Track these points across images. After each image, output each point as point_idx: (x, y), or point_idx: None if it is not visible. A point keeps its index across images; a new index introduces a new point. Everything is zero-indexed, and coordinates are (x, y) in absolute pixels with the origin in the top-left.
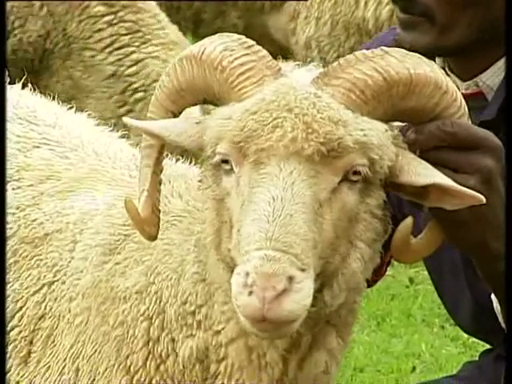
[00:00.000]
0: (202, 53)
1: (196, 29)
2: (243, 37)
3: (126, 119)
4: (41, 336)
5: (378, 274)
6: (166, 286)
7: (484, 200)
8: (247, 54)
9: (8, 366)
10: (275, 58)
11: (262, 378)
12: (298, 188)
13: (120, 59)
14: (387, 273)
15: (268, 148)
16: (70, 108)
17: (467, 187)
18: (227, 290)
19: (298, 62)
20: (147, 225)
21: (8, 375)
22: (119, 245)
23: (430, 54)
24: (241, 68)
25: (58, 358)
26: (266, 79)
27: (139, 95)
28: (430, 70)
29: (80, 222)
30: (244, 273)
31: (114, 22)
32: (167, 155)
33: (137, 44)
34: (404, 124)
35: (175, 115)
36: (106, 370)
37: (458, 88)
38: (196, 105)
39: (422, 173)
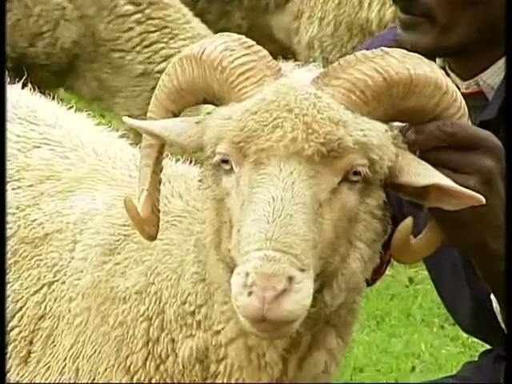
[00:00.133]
0: (202, 53)
1: None
2: (243, 37)
3: (125, 119)
4: (41, 336)
5: (377, 273)
6: (165, 287)
7: (484, 200)
8: (247, 54)
9: (8, 366)
10: (276, 58)
11: (261, 377)
12: (298, 188)
13: (149, 57)
14: (387, 273)
15: (268, 148)
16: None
17: (467, 187)
18: (227, 289)
19: (298, 62)
20: (147, 225)
21: (8, 375)
22: (119, 245)
23: (430, 55)
24: (241, 68)
25: (58, 358)
26: (266, 79)
27: None
28: (430, 70)
29: (80, 222)
30: (244, 273)
31: (142, 19)
32: (167, 155)
33: (165, 40)
34: (404, 124)
35: (175, 115)
36: (105, 370)
37: (459, 87)
38: (196, 105)
39: (421, 173)
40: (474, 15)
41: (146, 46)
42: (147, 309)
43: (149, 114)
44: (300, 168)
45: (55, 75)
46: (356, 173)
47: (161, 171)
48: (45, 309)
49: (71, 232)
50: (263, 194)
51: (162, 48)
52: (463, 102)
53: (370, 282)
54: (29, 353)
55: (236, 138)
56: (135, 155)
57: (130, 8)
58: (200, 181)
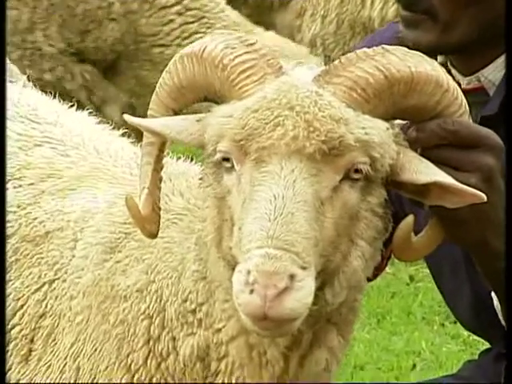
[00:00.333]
0: (203, 50)
1: None
2: (244, 35)
3: (126, 116)
4: (41, 334)
5: (378, 268)
6: (166, 285)
7: (485, 198)
8: (248, 52)
9: (9, 364)
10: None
11: (262, 375)
12: (299, 186)
13: None
14: (388, 271)
15: (269, 146)
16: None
17: (468, 185)
18: (228, 287)
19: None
20: (148, 223)
21: (9, 373)
22: (120, 243)
23: (432, 52)
24: (242, 66)
25: (59, 357)
26: (267, 77)
27: None
28: (431, 68)
29: (81, 220)
30: (245, 271)
31: (182, 11)
32: (168, 153)
33: (203, 30)
34: (405, 122)
35: (176, 113)
36: (106, 368)
37: (460, 83)
38: (197, 102)
39: (423, 171)
40: (476, 13)
41: (185, 38)
42: (148, 307)
43: (149, 112)
44: (301, 166)
45: (103, 71)
46: (357, 170)
47: (162, 169)
48: (46, 307)
49: (72, 230)
50: (264, 192)
51: (201, 38)
52: (464, 99)
53: (370, 278)
54: (30, 351)
55: (237, 136)
56: (136, 153)
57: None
58: (201, 179)
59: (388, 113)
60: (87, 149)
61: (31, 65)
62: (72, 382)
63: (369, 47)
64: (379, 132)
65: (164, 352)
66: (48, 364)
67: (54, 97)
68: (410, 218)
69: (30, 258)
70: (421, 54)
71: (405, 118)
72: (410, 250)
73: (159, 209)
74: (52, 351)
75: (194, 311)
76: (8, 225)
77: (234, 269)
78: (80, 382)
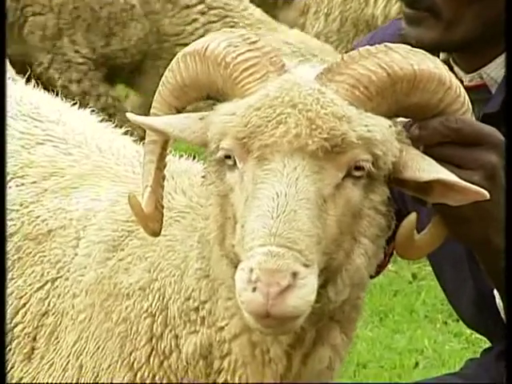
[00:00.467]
0: (206, 49)
1: None
2: (247, 32)
3: (129, 115)
4: (44, 332)
5: (380, 265)
6: (169, 283)
7: (488, 196)
8: (251, 50)
9: (11, 362)
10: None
11: (265, 373)
12: (302, 184)
13: None
14: (390, 268)
15: (272, 144)
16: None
17: (471, 183)
18: (231, 285)
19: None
20: (151, 221)
21: (11, 371)
22: (122, 241)
23: (435, 50)
24: (244, 64)
25: (62, 355)
26: (269, 75)
27: None
28: (434, 66)
29: (83, 218)
30: (248, 269)
31: (205, 10)
32: (170, 151)
33: (227, 29)
34: (408, 120)
35: (179, 111)
36: (109, 366)
37: (462, 80)
38: (199, 100)
39: (425, 168)
40: (480, 10)
41: None
42: (150, 305)
43: (152, 110)
44: (304, 163)
45: (116, 73)
46: (359, 168)
47: (164, 167)
48: (48, 305)
49: (75, 228)
50: (267, 189)
51: None
52: (467, 97)
53: (373, 275)
54: (32, 349)
55: (240, 133)
56: (139, 152)
57: None
58: (204, 177)
59: (391, 110)
60: (90, 147)
61: (60, 71)
62: (75, 380)
63: (371, 44)
64: (382, 130)
65: (167, 350)
66: (51, 362)
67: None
68: (412, 216)
69: (32, 256)
70: (423, 52)
71: (407, 115)
72: (413, 248)
73: (162, 207)
74: (55, 349)
75: (196, 309)
76: (10, 223)
77: (236, 267)
78: (83, 380)
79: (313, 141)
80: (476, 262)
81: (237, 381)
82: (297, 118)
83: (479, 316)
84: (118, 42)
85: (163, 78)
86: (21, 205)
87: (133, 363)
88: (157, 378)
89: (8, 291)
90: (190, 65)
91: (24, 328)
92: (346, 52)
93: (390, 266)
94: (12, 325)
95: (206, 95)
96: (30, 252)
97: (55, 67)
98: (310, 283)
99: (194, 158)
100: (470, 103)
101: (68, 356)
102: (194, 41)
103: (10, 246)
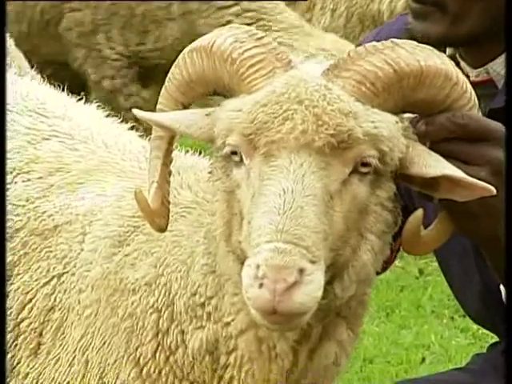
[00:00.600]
0: (212, 45)
1: None
2: (253, 29)
3: (135, 111)
4: (50, 328)
5: (387, 262)
6: (175, 278)
7: (495, 191)
8: (257, 46)
9: (18, 357)
10: None
11: (272, 369)
12: (308, 180)
13: None
14: (397, 264)
15: (278, 140)
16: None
17: (478, 179)
18: (237, 281)
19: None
20: (157, 216)
21: (18, 367)
22: (128, 236)
23: (441, 44)
24: (251, 60)
25: (68, 350)
26: (276, 71)
27: None
28: (441, 61)
29: (89, 213)
30: (254, 265)
31: (239, 12)
32: (176, 147)
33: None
34: (414, 116)
35: (185, 107)
36: (115, 361)
37: (469, 75)
38: (206, 96)
39: (432, 164)
40: (486, 5)
41: None
42: (157, 300)
43: (158, 106)
44: (310, 160)
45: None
46: (366, 164)
47: (171, 163)
48: (54, 300)
49: (81, 224)
50: (274, 186)
51: None
52: (473, 93)
53: (379, 271)
54: (38, 344)
55: (246, 130)
56: (145, 147)
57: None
58: (210, 172)
59: (397, 106)
60: (96, 142)
61: (94, 66)
62: (81, 375)
63: (377, 40)
64: (388, 126)
65: (173, 345)
66: (57, 357)
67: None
68: (419, 212)
69: (38, 251)
70: (430, 48)
71: (414, 111)
72: (419, 244)
73: (168, 203)
74: (61, 344)
75: (203, 305)
76: (17, 218)
77: (243, 263)
78: (89, 375)
79: (319, 137)
80: (482, 257)
81: (243, 376)
82: (303, 115)
83: (486, 311)
84: (153, 41)
85: (170, 74)
86: (27, 200)
87: (139, 358)
88: (163, 373)
89: (14, 286)
90: (196, 61)
91: (30, 323)
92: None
93: (396, 262)
94: (18, 320)
95: (212, 91)
96: (37, 247)
97: (90, 62)
98: (316, 279)
99: (200, 153)
100: (476, 99)
101: (74, 351)
102: None
103: (16, 242)
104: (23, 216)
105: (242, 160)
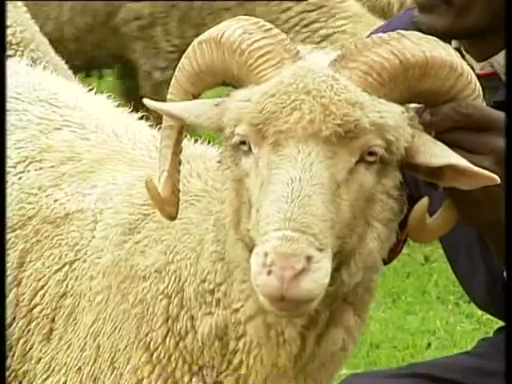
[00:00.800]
0: (222, 36)
1: None
2: (261, 20)
3: (146, 101)
4: (62, 314)
5: (394, 252)
6: (184, 265)
7: (498, 180)
8: (266, 37)
9: (30, 343)
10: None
11: (280, 354)
12: (316, 169)
13: (308, 36)
14: (403, 251)
15: (286, 130)
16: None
17: (482, 168)
18: (246, 268)
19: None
20: (167, 205)
21: (30, 352)
22: (139, 224)
23: (446, 37)
24: (259, 51)
25: (79, 336)
26: (284, 62)
27: None
28: (446, 52)
29: (101, 201)
30: (263, 253)
31: None
32: (186, 136)
33: (324, 19)
34: (420, 106)
35: (195, 97)
36: (126, 347)
37: (473, 68)
38: (215, 87)
39: (437, 154)
40: None
41: (304, 26)
42: (166, 287)
43: (169, 96)
44: (318, 149)
45: None
46: (372, 153)
47: (181, 152)
48: (66, 287)
49: (92, 212)
50: (282, 175)
51: (321, 28)
52: (478, 83)
53: (386, 261)
54: (51, 330)
55: (255, 120)
56: (154, 136)
57: None
58: (219, 162)
59: (403, 97)
60: (106, 132)
61: (147, 57)
62: (92, 359)
63: (385, 32)
64: (394, 115)
65: (182, 331)
66: (69, 343)
67: None
68: (424, 200)
69: (50, 239)
70: (435, 39)
71: (419, 101)
72: (425, 232)
73: (178, 191)
74: (73, 330)
75: (212, 291)
76: (29, 206)
77: (251, 250)
78: (100, 359)
79: (326, 126)
80: (487, 247)
81: (251, 361)
82: (311, 105)
83: (491, 299)
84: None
85: (180, 65)
86: (39, 188)
87: (149, 344)
88: (172, 358)
89: (27, 273)
90: (205, 52)
91: (43, 309)
92: None
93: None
94: (31, 306)
95: (221, 81)
96: (49, 235)
97: (144, 53)
98: (323, 267)
99: (209, 142)
100: (480, 89)
101: (86, 337)
102: (288, 29)
103: (28, 229)
104: (35, 204)
105: (250, 149)
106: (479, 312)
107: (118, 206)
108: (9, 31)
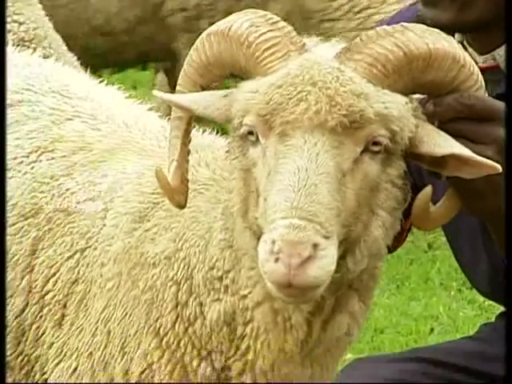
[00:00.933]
0: (229, 29)
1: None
2: (268, 13)
3: (155, 92)
4: (74, 300)
5: (398, 240)
6: (193, 253)
7: (500, 169)
8: (272, 30)
9: (43, 328)
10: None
11: (287, 339)
12: (322, 159)
13: (361, 23)
14: (407, 239)
15: (293, 120)
16: None
17: (484, 157)
18: (254, 255)
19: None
20: (177, 194)
21: (43, 337)
22: (148, 212)
23: (450, 30)
24: (266, 43)
25: (91, 321)
26: (290, 54)
27: None
28: (449, 44)
29: (111, 190)
30: (270, 240)
31: None
32: (195, 126)
33: (376, 5)
34: (423, 96)
35: (203, 88)
36: (136, 332)
37: (476, 61)
38: (223, 78)
39: (441, 143)
40: None
41: (357, 13)
42: (176, 274)
43: (177, 88)
44: (324, 139)
45: None
46: (377, 143)
47: (189, 142)
48: (78, 273)
49: (102, 200)
50: (289, 164)
51: (374, 13)
52: (480, 75)
53: (391, 249)
54: (63, 316)
55: (262, 110)
56: (164, 127)
57: None
58: (227, 151)
59: (407, 88)
60: (117, 122)
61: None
62: (103, 344)
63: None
64: (398, 106)
65: (191, 317)
66: (80, 328)
67: None
68: (428, 189)
69: (62, 227)
70: (439, 31)
71: (423, 92)
72: (429, 220)
73: (187, 180)
74: (84, 316)
75: (220, 278)
76: (41, 195)
77: (259, 238)
78: (111, 345)
79: (332, 117)
80: (489, 234)
81: (259, 346)
82: (317, 96)
83: (493, 286)
84: None
85: (188, 57)
86: (51, 178)
87: (159, 329)
88: (182, 343)
89: (39, 260)
90: (214, 44)
91: (55, 295)
92: None
93: None
94: (43, 292)
95: (229, 73)
96: (61, 223)
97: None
98: (329, 254)
99: (217, 132)
100: (483, 81)
101: (97, 322)
102: (339, 16)
103: (41, 218)
104: (48, 193)
105: (258, 139)
106: (481, 298)
107: (128, 194)
108: (22, 28)
